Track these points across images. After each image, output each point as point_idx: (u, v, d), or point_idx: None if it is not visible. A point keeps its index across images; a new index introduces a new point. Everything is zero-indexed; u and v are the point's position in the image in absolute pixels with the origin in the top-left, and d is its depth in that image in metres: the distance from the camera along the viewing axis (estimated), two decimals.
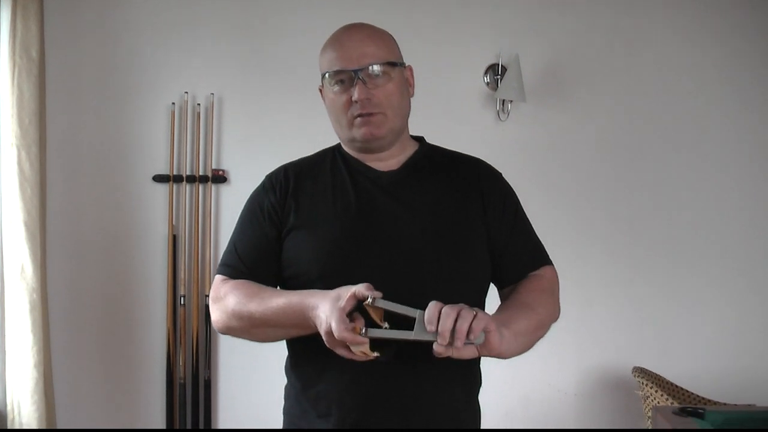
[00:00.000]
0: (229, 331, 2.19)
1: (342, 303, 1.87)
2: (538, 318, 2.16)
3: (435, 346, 1.82)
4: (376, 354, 1.88)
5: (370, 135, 2.16)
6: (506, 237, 2.26)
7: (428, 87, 4.36)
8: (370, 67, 2.10)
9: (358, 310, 1.89)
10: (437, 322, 1.81)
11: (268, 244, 2.21)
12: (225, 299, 2.16)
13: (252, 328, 2.13)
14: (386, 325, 1.88)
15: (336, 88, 2.13)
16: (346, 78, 2.11)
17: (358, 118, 2.14)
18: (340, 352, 1.89)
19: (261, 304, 2.08)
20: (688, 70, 4.74)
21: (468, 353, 1.85)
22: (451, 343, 1.81)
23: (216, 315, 2.20)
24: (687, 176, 4.75)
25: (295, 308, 2.01)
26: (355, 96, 2.09)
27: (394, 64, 2.15)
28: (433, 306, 1.84)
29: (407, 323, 1.86)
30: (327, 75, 2.15)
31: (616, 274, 4.75)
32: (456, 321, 1.80)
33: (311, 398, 2.18)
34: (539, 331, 2.19)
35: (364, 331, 1.85)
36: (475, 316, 1.82)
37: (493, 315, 2.01)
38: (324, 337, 1.90)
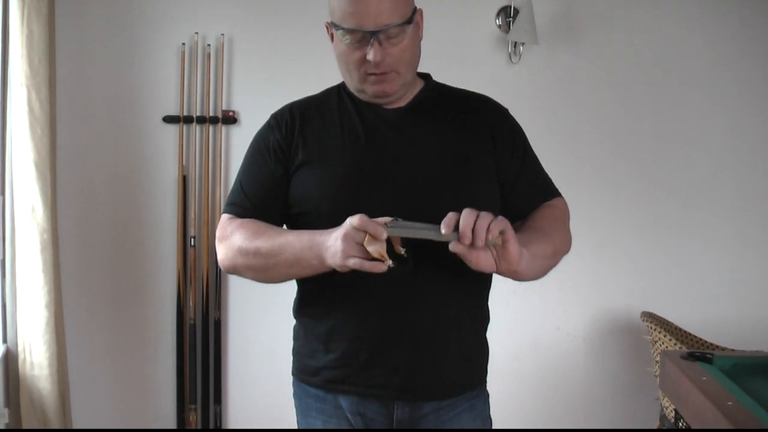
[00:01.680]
0: (234, 269, 2.20)
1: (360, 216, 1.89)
2: (553, 244, 2.17)
3: (452, 245, 1.85)
4: (391, 262, 1.88)
5: (383, 93, 2.16)
6: (517, 170, 2.27)
7: (440, 29, 4.35)
8: (388, 29, 2.05)
9: None
10: (456, 223, 1.84)
11: (274, 182, 2.22)
12: (231, 237, 2.17)
13: (257, 266, 2.13)
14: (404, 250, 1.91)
15: (348, 41, 2.09)
16: (360, 36, 2.06)
17: (372, 76, 2.12)
18: (353, 262, 1.90)
19: (269, 240, 2.09)
20: (703, 14, 4.69)
21: (486, 263, 1.89)
22: (472, 245, 1.84)
23: (222, 253, 2.21)
24: (702, 119, 4.72)
25: (303, 242, 2.02)
26: (371, 56, 2.05)
27: (411, 20, 2.11)
28: (451, 213, 1.86)
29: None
30: (340, 29, 2.09)
31: (628, 218, 4.75)
32: (476, 221, 1.83)
33: (321, 336, 2.21)
34: (554, 258, 2.20)
35: (389, 223, 1.87)
36: (494, 218, 1.85)
37: None
38: (339, 245, 1.91)
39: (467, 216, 1.84)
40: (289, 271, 2.10)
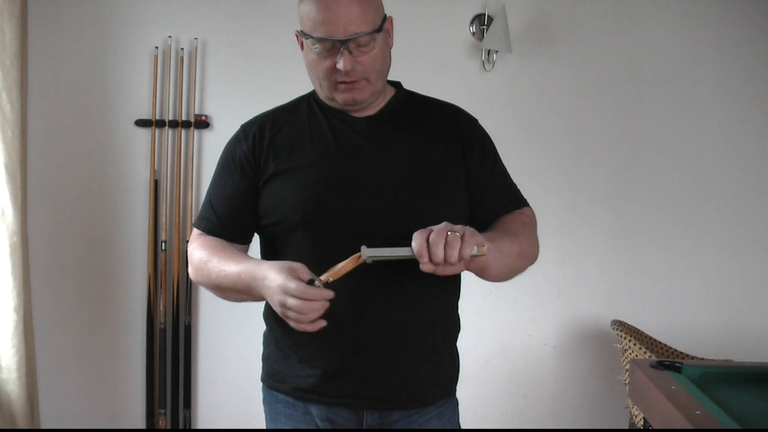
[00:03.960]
0: (199, 284, 2.26)
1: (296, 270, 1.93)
2: (520, 246, 2.18)
3: (422, 266, 1.87)
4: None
5: (353, 101, 2.17)
6: (486, 180, 2.28)
7: (413, 36, 4.37)
8: (357, 38, 2.05)
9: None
10: (428, 255, 1.85)
11: (241, 197, 2.24)
12: (193, 254, 2.22)
13: (212, 288, 2.20)
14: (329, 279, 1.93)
15: (318, 50, 2.09)
16: (330, 45, 2.06)
17: (342, 85, 2.12)
18: (293, 324, 1.94)
19: (217, 266, 2.13)
20: (677, 18, 4.72)
21: (454, 269, 1.90)
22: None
23: (189, 268, 2.26)
24: (675, 126, 4.73)
25: (248, 275, 2.04)
26: (341, 65, 2.06)
27: (380, 28, 2.11)
28: (419, 236, 1.87)
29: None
30: (309, 38, 2.09)
31: (600, 225, 4.76)
32: (428, 239, 1.86)
33: (293, 344, 2.22)
34: (520, 259, 2.21)
35: (363, 257, 1.89)
36: (462, 237, 1.86)
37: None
38: (274, 296, 1.94)
39: (435, 249, 1.85)
40: (236, 297, 2.16)
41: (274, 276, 1.94)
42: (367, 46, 2.08)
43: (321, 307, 1.89)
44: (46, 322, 4.40)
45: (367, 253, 1.89)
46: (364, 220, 2.05)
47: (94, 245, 4.48)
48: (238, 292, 2.10)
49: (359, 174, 2.15)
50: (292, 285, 1.88)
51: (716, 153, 4.76)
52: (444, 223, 1.88)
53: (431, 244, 1.84)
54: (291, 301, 1.88)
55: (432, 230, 1.87)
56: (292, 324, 1.92)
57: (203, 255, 2.17)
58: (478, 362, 4.68)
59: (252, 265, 2.05)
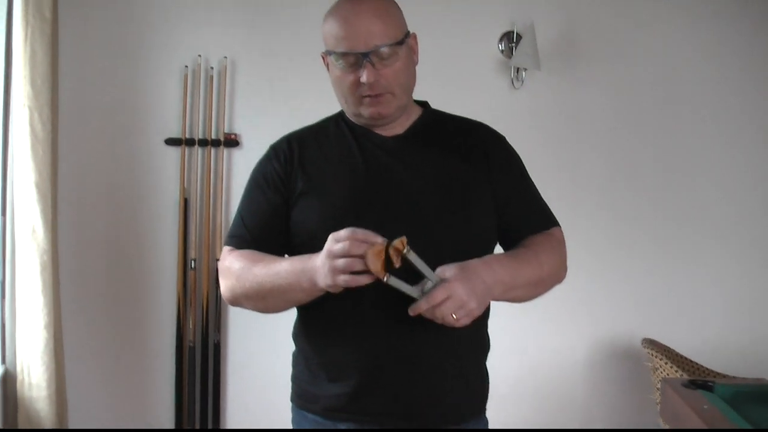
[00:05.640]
0: (235, 300, 2.22)
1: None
2: (541, 272, 2.20)
3: (411, 310, 1.93)
4: (387, 277, 1.89)
5: (378, 114, 2.17)
6: (513, 197, 2.28)
7: (442, 54, 4.37)
8: (379, 50, 2.07)
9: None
10: (431, 313, 1.92)
11: (274, 213, 2.23)
12: (231, 267, 2.19)
13: (254, 294, 2.14)
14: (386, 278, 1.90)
15: (342, 65, 2.12)
16: (353, 59, 2.09)
17: (367, 98, 2.14)
18: (343, 279, 1.90)
19: (264, 267, 2.11)
20: (706, 39, 4.71)
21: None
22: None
23: (223, 284, 2.23)
24: (702, 144, 4.74)
25: (295, 266, 2.04)
26: (364, 78, 2.08)
27: (402, 41, 2.13)
28: (440, 292, 1.91)
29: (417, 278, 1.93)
30: (333, 54, 2.12)
31: (630, 244, 4.75)
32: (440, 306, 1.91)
33: (322, 364, 2.21)
34: (539, 287, 2.24)
35: (404, 242, 1.89)
36: (469, 313, 1.94)
37: (497, 263, 2.07)
38: (327, 263, 1.92)
39: (442, 312, 1.91)
40: (284, 297, 2.11)
41: (321, 254, 1.94)
42: (390, 59, 2.10)
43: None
44: (76, 340, 4.41)
45: (408, 254, 1.89)
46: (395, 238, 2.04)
47: (123, 263, 4.50)
48: (285, 290, 2.07)
49: (389, 193, 2.15)
50: (342, 232, 1.89)
51: (750, 172, 4.74)
52: (467, 295, 1.92)
53: (442, 310, 1.90)
54: (338, 246, 1.88)
55: (452, 296, 1.91)
56: (341, 280, 1.90)
57: (244, 263, 2.16)
58: (508, 382, 4.65)
59: (300, 257, 2.06)
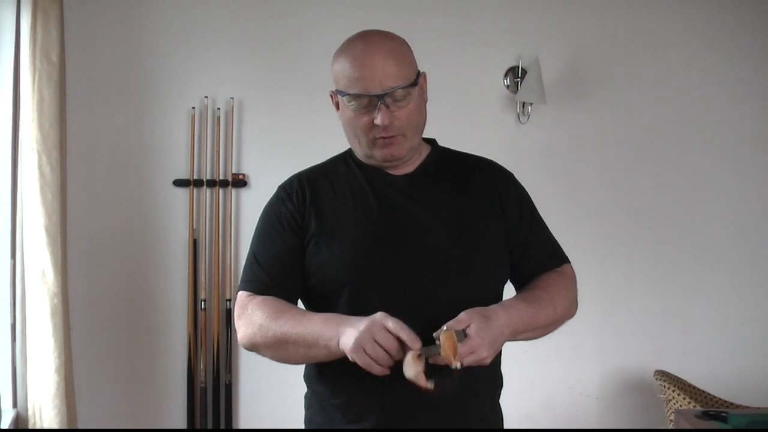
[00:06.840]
0: (254, 347, 2.16)
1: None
2: (555, 312, 2.20)
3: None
4: (431, 385, 1.86)
5: (392, 156, 2.17)
6: (525, 235, 2.29)
7: (448, 89, 4.38)
8: (394, 92, 2.06)
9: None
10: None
11: (291, 254, 2.20)
12: (252, 315, 2.13)
13: (277, 344, 2.09)
14: (458, 365, 1.87)
15: (355, 107, 2.10)
16: (367, 101, 2.08)
17: (380, 140, 2.13)
18: (360, 357, 1.87)
19: (292, 318, 2.06)
20: (709, 69, 4.73)
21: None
22: None
23: (241, 331, 2.17)
24: (710, 176, 4.74)
25: (329, 322, 2.00)
26: (378, 120, 2.07)
27: (416, 82, 2.13)
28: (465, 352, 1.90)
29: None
30: (345, 95, 2.11)
31: (639, 277, 4.74)
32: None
33: (340, 404, 2.18)
34: (553, 326, 2.24)
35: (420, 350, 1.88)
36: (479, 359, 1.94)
37: (517, 314, 2.06)
38: (361, 334, 1.88)
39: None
40: (307, 352, 2.05)
41: (363, 322, 1.91)
42: (403, 100, 2.09)
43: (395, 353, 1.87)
44: (87, 384, 4.39)
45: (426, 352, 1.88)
46: (411, 280, 2.05)
47: (133, 305, 4.49)
48: (310, 345, 2.02)
49: (404, 233, 2.15)
50: (392, 324, 1.87)
51: (761, 204, 4.73)
52: (486, 352, 1.93)
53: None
54: (384, 338, 1.87)
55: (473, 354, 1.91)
56: (360, 360, 1.87)
57: (268, 311, 2.10)
58: (521, 416, 4.62)
59: (335, 315, 2.03)
